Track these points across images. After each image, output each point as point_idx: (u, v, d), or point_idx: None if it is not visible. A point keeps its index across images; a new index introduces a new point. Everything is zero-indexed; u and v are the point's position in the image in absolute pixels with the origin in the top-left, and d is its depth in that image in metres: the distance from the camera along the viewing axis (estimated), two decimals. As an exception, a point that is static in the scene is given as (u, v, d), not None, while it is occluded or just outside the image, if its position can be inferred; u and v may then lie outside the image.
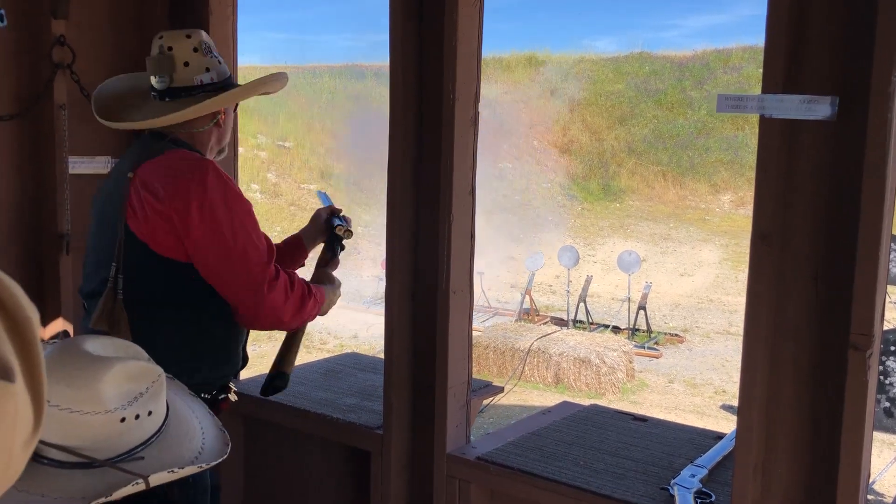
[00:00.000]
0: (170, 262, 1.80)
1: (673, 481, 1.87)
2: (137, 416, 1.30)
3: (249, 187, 17.56)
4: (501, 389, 2.79)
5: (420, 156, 2.12)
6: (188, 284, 1.84)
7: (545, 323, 11.37)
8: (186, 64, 1.89)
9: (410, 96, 2.09)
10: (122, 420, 1.28)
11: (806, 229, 1.59)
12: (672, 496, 1.82)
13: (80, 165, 2.42)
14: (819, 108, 1.51)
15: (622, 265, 11.80)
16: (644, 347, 10.36)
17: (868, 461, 1.61)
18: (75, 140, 2.43)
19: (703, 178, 21.42)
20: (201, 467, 1.34)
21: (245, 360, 2.05)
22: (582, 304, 11.43)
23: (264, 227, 1.94)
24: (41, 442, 1.26)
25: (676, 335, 11.42)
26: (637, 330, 11.10)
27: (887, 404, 4.91)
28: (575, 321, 11.40)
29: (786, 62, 1.54)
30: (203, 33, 1.97)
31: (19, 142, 2.40)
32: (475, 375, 2.59)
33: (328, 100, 22.52)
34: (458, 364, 2.13)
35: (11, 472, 0.51)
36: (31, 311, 0.53)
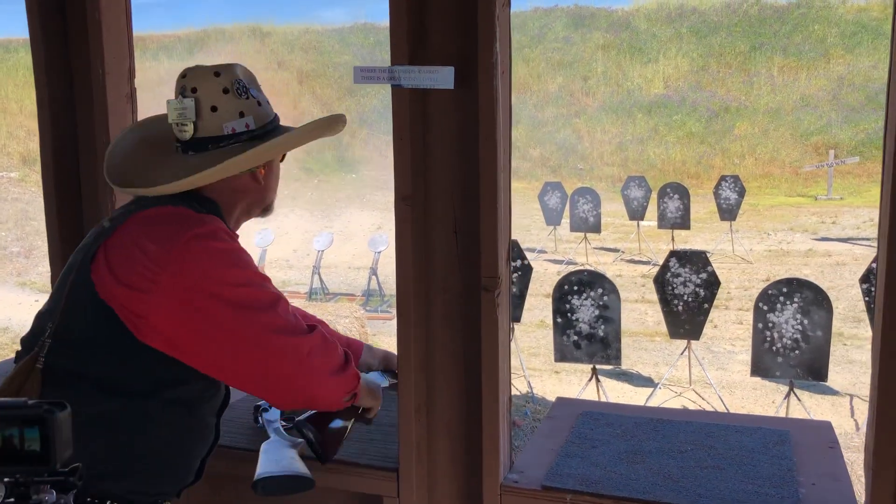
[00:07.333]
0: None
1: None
2: None
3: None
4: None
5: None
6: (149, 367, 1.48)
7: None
8: (214, 109, 1.53)
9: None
10: None
11: (443, 189, 1.76)
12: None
13: None
14: (440, 78, 1.67)
15: (372, 245, 11.93)
16: (377, 311, 10.71)
17: (507, 389, 1.83)
18: None
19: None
20: None
21: (199, 475, 1.64)
22: (316, 276, 11.54)
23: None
24: None
25: (410, 297, 11.85)
26: (372, 295, 11.44)
27: (575, 338, 5.58)
28: (310, 293, 11.49)
29: (409, 38, 1.68)
30: (238, 68, 1.59)
31: None
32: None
33: (24, 78, 20.35)
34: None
35: None
36: None
